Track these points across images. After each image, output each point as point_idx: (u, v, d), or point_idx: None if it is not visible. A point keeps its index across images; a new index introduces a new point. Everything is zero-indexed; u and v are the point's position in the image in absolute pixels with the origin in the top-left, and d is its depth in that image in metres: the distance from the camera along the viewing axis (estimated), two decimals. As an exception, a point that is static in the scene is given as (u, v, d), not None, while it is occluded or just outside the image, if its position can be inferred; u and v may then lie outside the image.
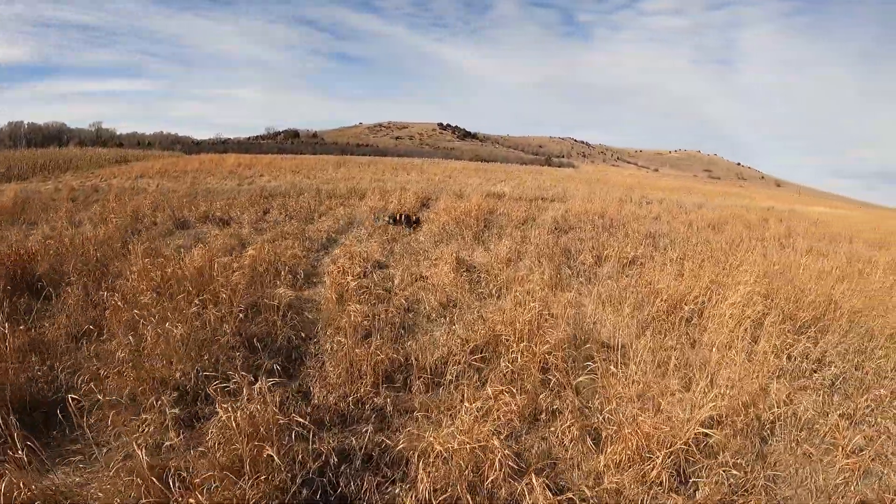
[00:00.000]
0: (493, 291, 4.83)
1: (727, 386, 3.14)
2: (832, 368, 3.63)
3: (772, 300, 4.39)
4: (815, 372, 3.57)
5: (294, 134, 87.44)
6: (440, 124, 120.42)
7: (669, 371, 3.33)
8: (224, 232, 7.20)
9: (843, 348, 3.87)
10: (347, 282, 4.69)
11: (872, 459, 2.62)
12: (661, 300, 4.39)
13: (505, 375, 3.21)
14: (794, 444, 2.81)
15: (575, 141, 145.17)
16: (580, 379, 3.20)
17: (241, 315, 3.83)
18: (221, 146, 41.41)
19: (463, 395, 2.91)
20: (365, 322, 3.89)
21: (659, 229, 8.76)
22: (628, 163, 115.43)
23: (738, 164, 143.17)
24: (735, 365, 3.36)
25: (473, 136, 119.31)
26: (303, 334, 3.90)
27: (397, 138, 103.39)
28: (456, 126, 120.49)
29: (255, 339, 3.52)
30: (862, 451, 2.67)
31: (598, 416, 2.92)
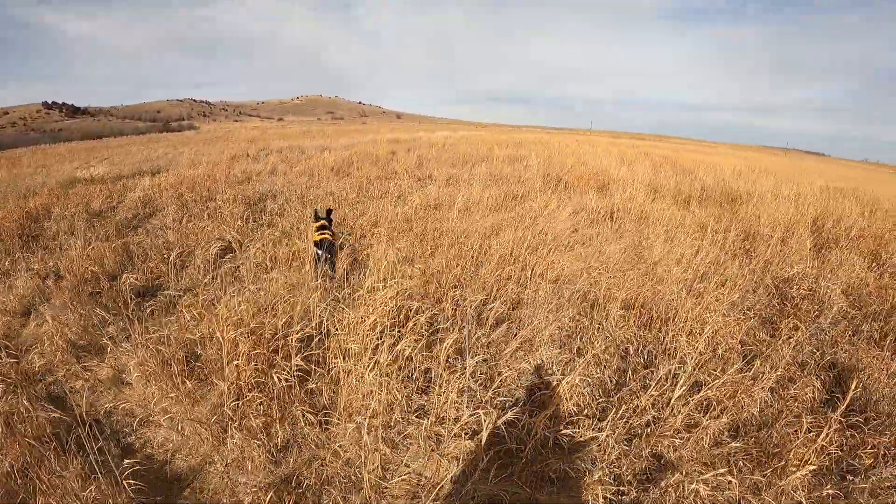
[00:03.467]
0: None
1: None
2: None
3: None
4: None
5: None
6: (45, 103, 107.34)
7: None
8: None
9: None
10: None
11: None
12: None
13: None
14: None
15: (195, 101, 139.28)
16: None
17: None
18: None
19: None
20: None
21: (273, 186, 7.29)
22: (251, 116, 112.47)
23: (360, 102, 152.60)
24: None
25: (84, 111, 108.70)
26: None
27: (-7, 127, 79.12)
28: (64, 103, 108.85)
29: None
30: None
31: None
